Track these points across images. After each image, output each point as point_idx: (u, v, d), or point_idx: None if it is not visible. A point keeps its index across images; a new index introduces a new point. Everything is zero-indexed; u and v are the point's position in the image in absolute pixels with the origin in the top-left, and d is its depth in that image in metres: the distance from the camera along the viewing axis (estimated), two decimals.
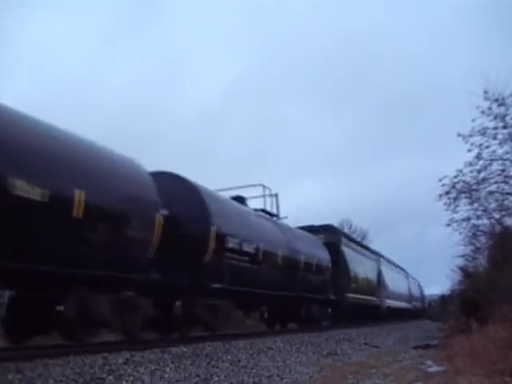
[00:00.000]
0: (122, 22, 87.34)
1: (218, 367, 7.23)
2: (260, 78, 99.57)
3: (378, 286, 28.44)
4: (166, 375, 6.30)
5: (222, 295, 11.29)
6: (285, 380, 7.00)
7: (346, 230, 39.66)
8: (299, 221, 20.65)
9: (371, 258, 29.28)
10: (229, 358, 8.07)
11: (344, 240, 22.94)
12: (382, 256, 34.67)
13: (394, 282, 34.42)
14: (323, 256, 18.54)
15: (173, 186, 10.76)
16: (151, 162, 10.69)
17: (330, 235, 21.20)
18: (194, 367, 6.98)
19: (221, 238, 11.15)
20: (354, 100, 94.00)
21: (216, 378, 6.54)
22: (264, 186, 16.76)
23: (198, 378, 6.42)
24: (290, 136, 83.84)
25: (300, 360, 9.02)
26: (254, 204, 16.04)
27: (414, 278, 47.49)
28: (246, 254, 12.32)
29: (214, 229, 10.82)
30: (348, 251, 22.58)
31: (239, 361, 7.97)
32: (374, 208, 65.07)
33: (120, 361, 6.56)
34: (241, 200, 14.75)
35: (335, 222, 32.91)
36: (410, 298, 40.89)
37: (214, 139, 74.13)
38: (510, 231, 13.57)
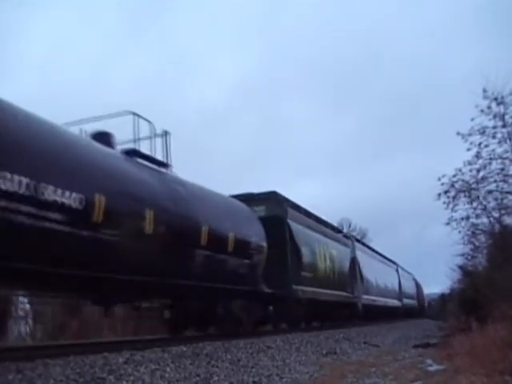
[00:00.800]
0: (124, 22, 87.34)
1: (217, 367, 7.24)
2: (262, 78, 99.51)
3: (350, 277, 22.76)
4: (167, 375, 6.32)
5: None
6: (284, 379, 7.01)
7: (345, 230, 38.65)
8: None
9: (340, 242, 23.00)
10: (228, 357, 8.08)
11: (292, 212, 16.70)
12: (359, 240, 29.59)
13: (377, 274, 28.73)
14: (252, 231, 13.13)
15: None
16: None
17: (273, 206, 15.75)
18: (194, 367, 6.99)
19: None
20: (355, 100, 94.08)
21: (216, 378, 6.56)
22: (137, 116, 10.42)
23: (198, 378, 6.43)
24: (290, 136, 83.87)
25: (300, 359, 9.03)
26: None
27: (407, 272, 43.22)
28: (57, 207, 7.19)
29: None
30: (298, 228, 16.57)
31: (239, 360, 7.98)
32: (374, 208, 65.13)
33: (120, 360, 6.57)
34: (103, 138, 9.57)
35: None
36: (400, 294, 35.84)
37: (216, 139, 74.20)
38: (509, 230, 13.59)
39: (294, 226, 16.08)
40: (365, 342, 13.36)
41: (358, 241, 29.11)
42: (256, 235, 13.21)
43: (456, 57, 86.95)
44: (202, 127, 77.38)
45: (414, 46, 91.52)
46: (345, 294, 21.36)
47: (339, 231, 25.10)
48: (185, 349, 8.19)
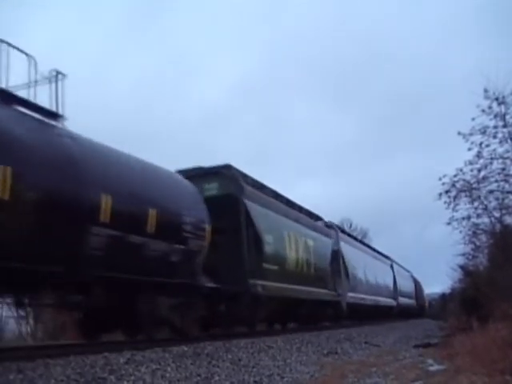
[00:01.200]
0: (124, 22, 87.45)
1: (218, 366, 7.24)
2: (262, 78, 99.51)
3: (333, 272, 19.73)
4: (167, 374, 6.32)
5: None
6: (285, 379, 7.01)
7: (346, 229, 37.85)
8: None
9: (319, 231, 19.44)
10: (229, 357, 8.08)
11: (250, 191, 13.58)
12: (344, 231, 25.77)
13: (367, 269, 25.63)
14: (188, 209, 10.47)
15: None
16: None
17: (227, 183, 12.93)
18: (194, 366, 6.99)
19: None
20: (355, 100, 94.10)
21: (217, 377, 6.56)
22: (6, 44, 7.59)
23: (198, 378, 6.43)
24: (290, 136, 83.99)
25: (301, 359, 9.03)
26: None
27: (404, 269, 40.12)
28: None
29: None
30: (259, 210, 13.54)
31: (240, 360, 7.98)
32: (375, 208, 65.11)
33: (121, 360, 6.57)
34: None
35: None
36: (394, 292, 32.68)
37: (216, 139, 74.25)
38: (510, 230, 13.59)
39: (252, 207, 13.11)
40: (366, 342, 13.35)
41: (344, 231, 25.58)
42: (194, 215, 10.50)
43: (456, 57, 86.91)
44: (202, 127, 77.42)
45: (414, 45, 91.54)
46: (325, 291, 18.33)
47: (318, 218, 20.77)
48: (186, 349, 8.19)
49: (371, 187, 75.64)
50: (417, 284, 45.73)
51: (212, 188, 12.75)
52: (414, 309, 41.89)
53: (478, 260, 18.57)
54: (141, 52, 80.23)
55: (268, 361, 8.33)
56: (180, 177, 11.37)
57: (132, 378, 5.88)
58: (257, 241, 12.98)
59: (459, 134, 11.53)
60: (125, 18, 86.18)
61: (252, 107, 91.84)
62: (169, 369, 6.59)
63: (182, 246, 9.95)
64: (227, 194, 12.65)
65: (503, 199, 12.43)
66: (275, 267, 13.98)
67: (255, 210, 13.31)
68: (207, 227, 10.80)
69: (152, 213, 8.99)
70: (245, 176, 13.97)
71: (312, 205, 20.03)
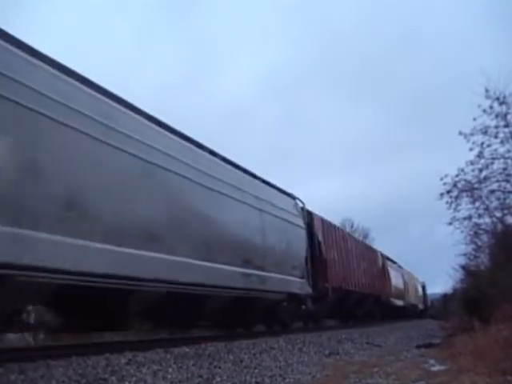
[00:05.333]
0: (153, 16, 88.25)
1: (220, 367, 7.23)
2: (284, 75, 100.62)
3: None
4: (169, 375, 6.31)
5: None
6: (287, 380, 7.00)
7: (347, 230, 37.50)
8: None
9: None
10: (231, 358, 8.07)
11: None
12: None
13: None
14: None
15: None
16: None
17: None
18: (196, 367, 6.98)
19: None
20: (365, 100, 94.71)
21: (218, 378, 6.54)
22: None
23: (200, 379, 6.42)
24: (299, 135, 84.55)
25: (302, 360, 9.01)
26: None
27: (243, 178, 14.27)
28: None
29: None
30: None
31: (241, 361, 7.97)
32: (378, 208, 65.09)
33: (123, 361, 6.57)
34: None
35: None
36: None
37: (233, 134, 74.78)
38: (511, 230, 13.56)
39: None
40: (367, 343, 13.32)
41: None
42: None
43: (462, 57, 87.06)
44: (219, 123, 77.86)
45: (427, 47, 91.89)
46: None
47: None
48: (187, 349, 8.19)
49: (374, 187, 76.02)
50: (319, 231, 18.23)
51: None
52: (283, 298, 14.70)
53: (479, 260, 18.60)
54: (167, 47, 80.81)
55: (270, 361, 8.31)
56: None
57: (133, 378, 5.88)
58: None
59: (460, 133, 11.55)
60: (153, 13, 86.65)
61: (270, 105, 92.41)
62: (170, 370, 6.58)
63: None
64: None
65: (505, 199, 12.42)
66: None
67: None
68: None
69: None
70: None
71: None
